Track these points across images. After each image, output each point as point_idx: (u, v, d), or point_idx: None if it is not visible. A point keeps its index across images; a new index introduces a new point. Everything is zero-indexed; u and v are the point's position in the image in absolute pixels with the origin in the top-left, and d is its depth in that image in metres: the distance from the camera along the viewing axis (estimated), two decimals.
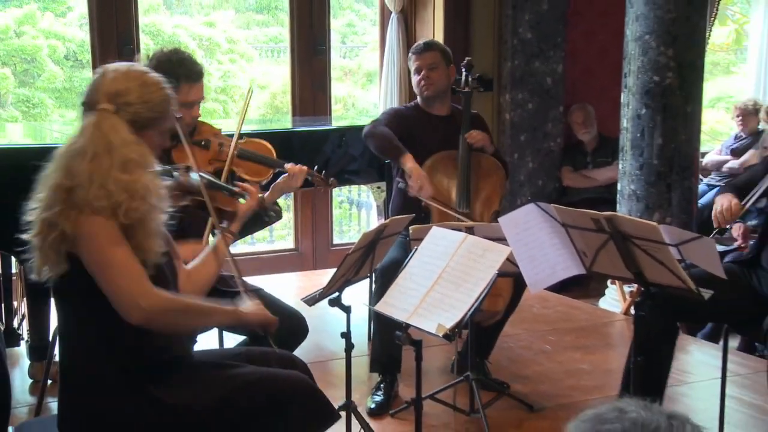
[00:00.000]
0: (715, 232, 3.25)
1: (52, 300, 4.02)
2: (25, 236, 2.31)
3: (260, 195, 3.16)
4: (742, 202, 3.27)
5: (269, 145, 3.61)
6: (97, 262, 2.24)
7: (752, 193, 3.27)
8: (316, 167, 3.53)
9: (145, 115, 2.36)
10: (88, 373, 2.33)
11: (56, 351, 3.77)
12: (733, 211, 3.20)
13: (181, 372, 2.41)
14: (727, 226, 3.19)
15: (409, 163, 4.00)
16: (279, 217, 3.66)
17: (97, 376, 2.32)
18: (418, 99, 4.31)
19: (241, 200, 3.12)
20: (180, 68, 3.29)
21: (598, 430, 0.93)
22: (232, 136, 3.45)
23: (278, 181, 3.49)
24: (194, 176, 2.91)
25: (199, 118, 3.46)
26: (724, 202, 3.29)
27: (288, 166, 3.46)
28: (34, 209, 2.31)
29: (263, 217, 3.55)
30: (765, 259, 3.36)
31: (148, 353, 2.36)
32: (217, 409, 2.34)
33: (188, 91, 3.31)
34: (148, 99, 2.36)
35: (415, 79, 4.25)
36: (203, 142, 3.42)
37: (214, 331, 3.68)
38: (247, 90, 3.51)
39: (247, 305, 2.58)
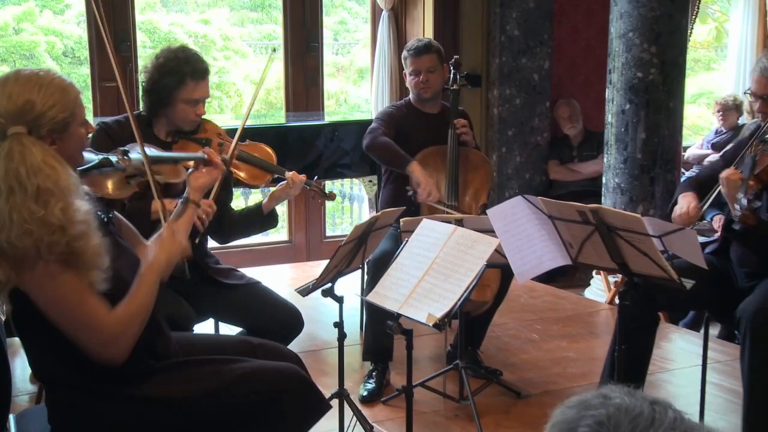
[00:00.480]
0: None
1: None
2: None
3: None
4: (701, 204, 3.26)
5: (270, 150, 3.56)
6: (51, 314, 2.09)
7: (711, 192, 3.26)
8: (316, 177, 3.48)
9: (60, 117, 2.15)
10: (67, 386, 2.27)
11: None
12: (691, 215, 3.21)
13: (167, 371, 2.35)
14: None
15: (416, 171, 3.98)
16: (276, 223, 3.62)
17: (77, 388, 2.26)
18: (411, 97, 4.29)
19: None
20: (186, 65, 3.25)
21: (583, 416, 0.93)
22: (239, 139, 3.36)
23: (276, 188, 3.45)
24: (135, 156, 2.68)
25: (204, 116, 3.39)
26: (683, 205, 3.29)
27: (288, 174, 3.41)
28: None
29: (267, 223, 3.51)
30: (734, 255, 3.37)
31: (123, 370, 2.25)
32: (209, 401, 2.30)
33: (194, 88, 3.26)
34: (53, 101, 2.15)
35: (411, 79, 4.21)
36: (204, 140, 3.37)
37: (210, 323, 3.67)
38: (268, 58, 3.38)
39: (153, 249, 2.33)
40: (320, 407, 2.51)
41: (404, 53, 4.26)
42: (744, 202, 2.92)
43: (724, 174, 3.11)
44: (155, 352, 2.36)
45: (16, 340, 4.48)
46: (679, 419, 0.92)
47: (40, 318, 2.11)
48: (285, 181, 3.40)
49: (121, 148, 2.68)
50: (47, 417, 2.36)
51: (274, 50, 3.48)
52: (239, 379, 2.35)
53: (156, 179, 2.64)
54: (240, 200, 6.60)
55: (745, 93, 3.32)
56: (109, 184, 2.61)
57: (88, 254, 2.07)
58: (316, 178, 3.47)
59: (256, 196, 6.81)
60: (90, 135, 2.38)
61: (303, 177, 3.40)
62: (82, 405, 2.26)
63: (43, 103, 2.12)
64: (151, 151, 2.81)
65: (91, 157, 2.56)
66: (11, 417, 2.49)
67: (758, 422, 3.03)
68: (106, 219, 2.35)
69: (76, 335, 2.11)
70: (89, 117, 6.07)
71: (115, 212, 2.50)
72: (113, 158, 2.63)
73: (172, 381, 2.31)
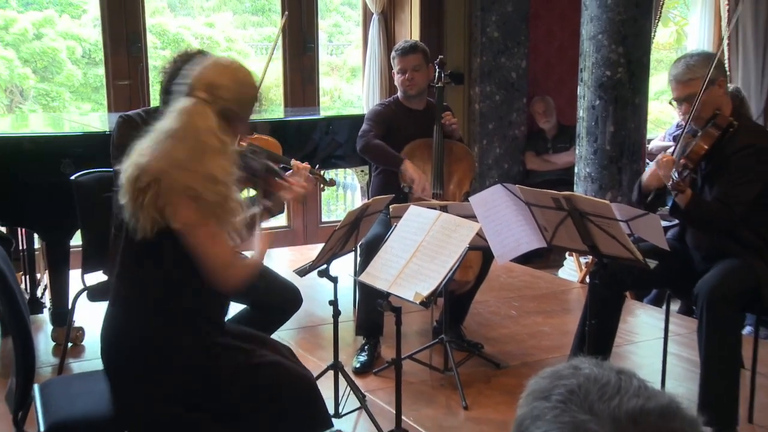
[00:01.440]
0: (651, 195, 3.25)
1: (71, 270, 4.03)
2: (119, 199, 2.28)
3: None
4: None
5: (277, 142, 3.57)
6: (190, 241, 2.24)
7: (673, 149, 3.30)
8: (317, 166, 3.48)
9: (234, 110, 2.36)
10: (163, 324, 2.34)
11: (75, 316, 3.78)
12: (668, 159, 3.20)
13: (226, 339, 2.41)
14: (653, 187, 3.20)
15: (409, 169, 3.98)
16: (283, 209, 3.62)
17: (164, 322, 2.33)
18: (399, 94, 4.28)
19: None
20: None
21: (555, 385, 0.93)
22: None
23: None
24: (253, 158, 2.86)
25: None
26: (657, 159, 3.30)
27: (293, 161, 3.40)
28: (124, 171, 2.28)
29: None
30: (689, 240, 3.38)
31: (205, 314, 2.39)
32: (253, 388, 2.31)
33: None
34: (240, 98, 2.38)
35: (398, 77, 4.19)
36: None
37: None
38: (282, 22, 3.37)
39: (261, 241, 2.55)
40: (323, 423, 2.47)
41: (392, 53, 4.24)
42: (675, 175, 3.02)
43: (658, 158, 3.17)
44: (221, 326, 2.47)
45: (39, 317, 4.49)
46: (643, 387, 0.92)
47: (166, 250, 2.26)
48: (291, 170, 3.39)
49: (250, 148, 2.86)
50: (108, 362, 2.37)
51: (285, 20, 3.45)
52: (268, 368, 2.37)
53: (267, 187, 2.83)
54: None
55: (669, 103, 3.35)
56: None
57: (231, 208, 2.26)
58: (317, 166, 3.47)
59: None
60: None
61: (306, 165, 3.39)
62: (151, 349, 2.31)
63: (233, 92, 2.35)
64: (268, 162, 2.96)
65: None
66: (36, 386, 2.49)
67: (712, 387, 3.06)
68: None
69: (207, 263, 2.25)
70: (104, 113, 6.08)
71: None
72: (246, 155, 2.77)
73: (233, 356, 2.36)
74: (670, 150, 3.30)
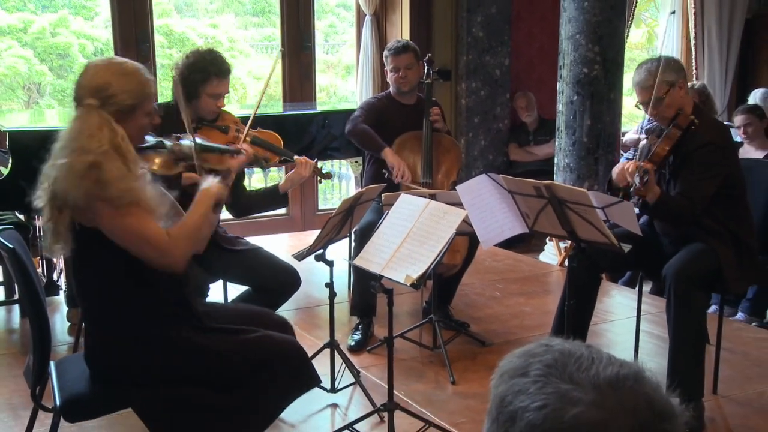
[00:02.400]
0: (620, 194, 3.24)
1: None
2: (36, 222, 2.23)
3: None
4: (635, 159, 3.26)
5: (278, 136, 3.55)
6: (118, 240, 2.18)
7: (637, 155, 3.29)
8: (315, 159, 3.46)
9: (128, 102, 2.24)
10: (115, 321, 2.29)
11: None
12: (630, 170, 3.18)
13: (201, 324, 2.38)
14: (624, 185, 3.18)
15: (389, 156, 3.97)
16: (287, 203, 3.61)
17: (127, 322, 2.28)
18: (391, 90, 4.25)
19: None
20: (212, 65, 3.24)
21: (530, 362, 0.92)
22: (251, 125, 3.34)
23: (290, 173, 3.42)
24: (186, 142, 2.73)
25: (223, 108, 3.37)
26: (621, 164, 3.29)
27: (297, 157, 3.38)
28: (40, 197, 2.22)
29: (281, 202, 3.50)
30: (657, 227, 3.39)
31: (160, 302, 2.32)
32: (230, 357, 2.31)
33: (217, 85, 3.25)
34: (128, 89, 2.25)
35: (392, 75, 4.15)
36: (223, 128, 3.35)
37: (219, 284, 3.65)
38: (275, 59, 3.37)
39: (208, 182, 2.44)
40: (311, 380, 2.49)
41: (385, 53, 4.20)
42: (636, 180, 3.01)
43: (622, 167, 3.15)
44: (193, 310, 2.40)
45: (56, 299, 4.47)
46: (612, 357, 0.93)
47: (100, 255, 2.21)
48: (297, 166, 3.36)
49: (176, 134, 2.74)
50: (84, 359, 2.35)
51: (282, 52, 3.42)
52: (254, 344, 2.36)
53: (201, 164, 2.67)
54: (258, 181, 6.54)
55: (636, 106, 3.34)
56: (158, 162, 2.64)
57: (144, 201, 2.17)
58: (314, 159, 3.45)
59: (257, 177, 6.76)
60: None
61: (311, 161, 3.37)
62: (119, 344, 2.27)
63: (118, 87, 2.22)
64: (200, 140, 2.85)
65: (149, 139, 2.61)
66: (52, 364, 2.48)
67: (680, 361, 3.07)
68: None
69: (140, 250, 2.18)
70: None
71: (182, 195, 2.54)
72: (167, 142, 2.68)
73: (205, 332, 2.34)
74: (644, 142, 3.30)
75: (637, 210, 3.28)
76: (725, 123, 4.70)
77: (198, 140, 2.80)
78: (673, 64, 3.22)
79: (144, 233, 2.17)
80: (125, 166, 2.17)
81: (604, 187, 3.40)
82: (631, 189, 3.07)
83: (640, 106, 3.28)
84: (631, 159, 6.58)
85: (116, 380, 2.30)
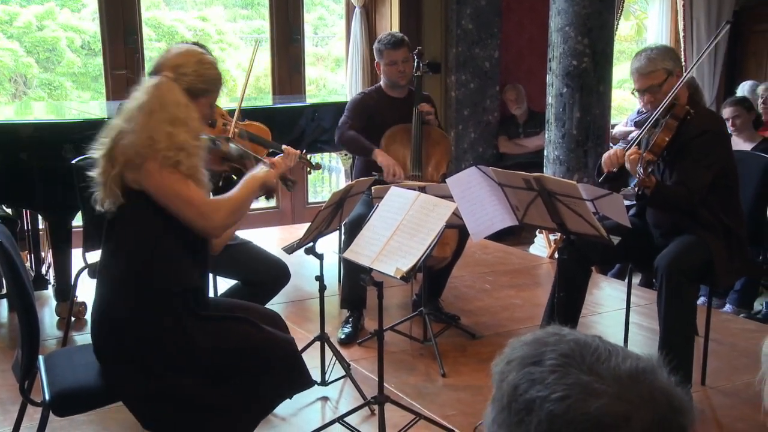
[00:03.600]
0: (603, 177, 3.24)
1: (73, 249, 4.00)
2: (89, 173, 2.34)
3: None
4: (625, 149, 3.26)
5: (266, 128, 3.53)
6: (163, 199, 2.28)
7: (630, 143, 3.29)
8: (304, 150, 3.45)
9: (198, 85, 2.43)
10: (136, 300, 2.31)
11: (78, 292, 3.75)
12: (618, 155, 3.19)
13: (205, 318, 2.38)
14: (614, 169, 3.18)
15: (379, 157, 3.97)
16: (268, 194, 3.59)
17: (140, 298, 2.30)
18: (382, 83, 4.23)
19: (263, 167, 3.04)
20: None
21: (543, 351, 0.91)
22: (239, 118, 3.33)
23: (275, 160, 3.38)
24: (233, 146, 2.88)
25: None
26: (610, 151, 3.29)
27: (284, 147, 3.36)
28: (98, 149, 2.34)
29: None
30: (649, 218, 3.40)
31: (181, 281, 2.35)
32: (228, 352, 2.32)
33: None
34: (201, 73, 2.45)
35: (388, 69, 4.11)
36: (210, 121, 3.33)
37: (209, 278, 3.64)
38: (254, 47, 3.36)
39: (258, 170, 2.61)
40: (304, 381, 2.51)
41: (379, 46, 4.13)
42: (641, 171, 3.01)
43: (627, 153, 3.14)
44: (202, 300, 2.44)
45: (44, 293, 4.44)
46: (627, 350, 0.92)
47: (139, 220, 2.31)
48: (282, 154, 3.34)
49: (225, 137, 2.92)
50: (93, 333, 2.35)
51: (257, 42, 3.43)
52: (256, 340, 2.38)
53: (242, 169, 2.79)
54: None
55: (632, 93, 3.35)
56: (209, 156, 2.70)
57: (194, 169, 2.31)
58: (303, 151, 3.44)
59: None
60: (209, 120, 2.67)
61: (297, 151, 3.35)
62: (136, 320, 2.29)
63: (193, 70, 2.44)
64: (246, 148, 2.99)
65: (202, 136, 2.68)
66: (40, 358, 2.47)
67: (669, 351, 3.07)
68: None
69: (183, 210, 2.30)
70: (103, 101, 6.00)
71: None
72: (218, 141, 2.81)
73: (212, 329, 2.35)
74: (634, 134, 3.31)
75: (626, 203, 3.29)
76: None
77: (242, 146, 2.94)
78: (672, 53, 3.24)
79: (189, 194, 2.29)
80: (191, 136, 2.32)
81: (594, 176, 3.40)
82: (636, 181, 3.08)
83: (636, 94, 3.29)
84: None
85: (120, 360, 2.29)
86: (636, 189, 3.11)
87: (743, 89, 6.31)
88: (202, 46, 3.30)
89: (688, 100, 3.21)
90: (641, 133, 3.26)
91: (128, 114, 2.32)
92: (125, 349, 2.29)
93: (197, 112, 2.41)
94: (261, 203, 6.48)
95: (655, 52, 3.20)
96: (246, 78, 3.57)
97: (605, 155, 3.24)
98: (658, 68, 3.15)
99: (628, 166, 3.12)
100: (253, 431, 2.44)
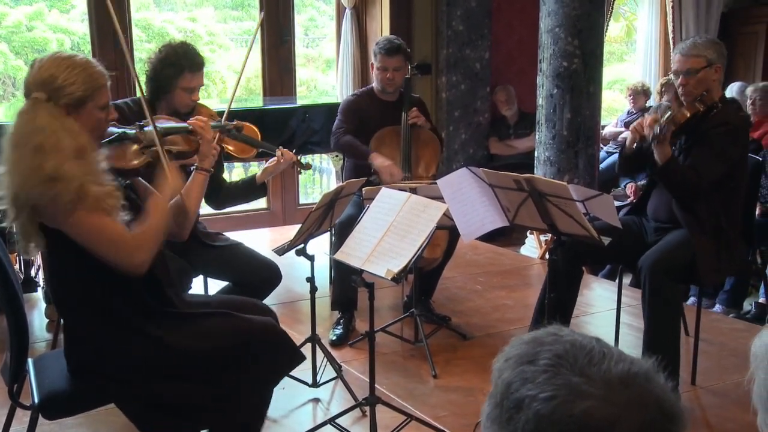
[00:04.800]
0: (624, 155, 3.27)
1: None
2: (2, 224, 2.14)
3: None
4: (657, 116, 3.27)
5: (256, 129, 3.51)
6: (80, 239, 2.11)
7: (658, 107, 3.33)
8: (294, 151, 3.43)
9: (77, 95, 2.15)
10: (89, 319, 2.26)
11: None
12: (641, 122, 3.21)
13: (176, 318, 2.34)
14: (636, 140, 3.20)
15: (377, 160, 3.96)
16: (265, 193, 3.58)
17: (100, 319, 2.25)
18: (374, 85, 4.22)
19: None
20: (184, 59, 3.21)
21: (539, 351, 0.91)
22: (227, 117, 3.28)
23: (268, 164, 3.38)
24: (149, 129, 2.56)
25: (198, 101, 3.33)
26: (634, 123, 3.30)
27: (278, 150, 3.34)
28: (2, 197, 2.12)
29: (259, 192, 3.47)
30: (650, 209, 3.41)
31: (143, 303, 2.29)
32: (209, 354, 2.29)
33: (190, 79, 3.22)
34: (74, 80, 2.15)
35: (379, 74, 4.11)
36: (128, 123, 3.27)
37: (200, 279, 3.63)
38: (258, 23, 3.23)
39: (162, 185, 2.39)
40: (295, 357, 2.49)
41: (376, 48, 4.13)
42: (657, 129, 3.05)
43: (639, 122, 3.19)
44: (167, 299, 2.36)
45: (34, 295, 4.42)
46: (623, 353, 0.92)
47: (70, 251, 2.13)
48: (275, 157, 3.33)
49: (138, 123, 2.58)
50: (64, 353, 2.33)
51: (261, 22, 3.25)
52: (231, 331, 2.34)
53: (168, 148, 2.57)
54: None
55: (668, 74, 3.38)
56: (127, 155, 2.51)
57: (92, 199, 2.07)
58: (294, 151, 3.43)
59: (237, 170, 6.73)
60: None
61: (291, 154, 3.34)
62: (97, 337, 2.25)
63: (64, 79, 2.14)
64: (162, 124, 2.73)
65: (113, 130, 2.49)
66: (30, 361, 2.45)
67: (655, 351, 3.08)
68: (125, 185, 2.34)
69: (103, 251, 2.12)
70: None
71: (136, 179, 2.45)
72: (130, 131, 2.54)
73: (180, 329, 2.30)
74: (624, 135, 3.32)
75: (617, 203, 3.30)
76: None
77: (160, 124, 2.68)
78: (719, 48, 3.25)
79: (106, 232, 2.11)
80: (82, 165, 2.08)
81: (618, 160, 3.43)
82: (652, 134, 3.08)
83: (673, 76, 3.32)
84: (613, 153, 6.66)
85: (94, 375, 2.27)
86: (654, 139, 3.09)
87: (732, 90, 6.33)
88: (186, 45, 3.29)
89: (721, 98, 3.24)
90: (665, 105, 3.28)
91: (13, 154, 2.08)
92: (98, 367, 2.26)
93: (80, 125, 2.15)
94: (252, 205, 6.47)
95: (702, 39, 3.25)
96: (246, 57, 3.46)
97: (631, 127, 3.25)
98: (701, 54, 3.17)
99: (646, 129, 3.12)
100: (263, 421, 2.44)
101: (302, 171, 3.49)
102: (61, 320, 2.36)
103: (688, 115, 3.14)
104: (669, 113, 3.15)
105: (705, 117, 3.16)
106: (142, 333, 2.25)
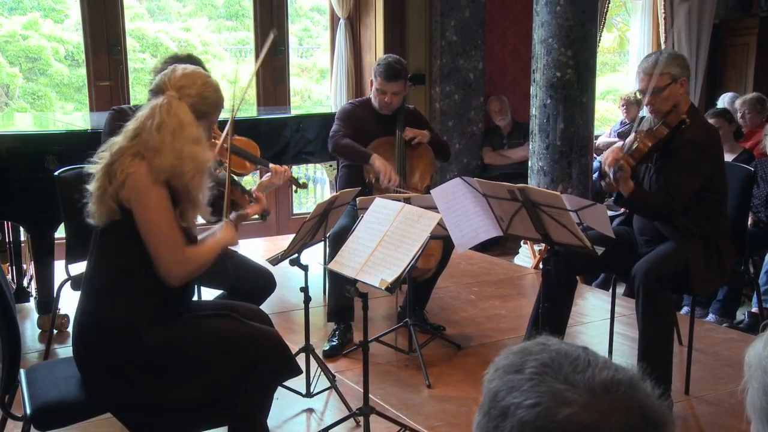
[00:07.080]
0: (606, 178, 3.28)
1: (56, 261, 3.96)
2: (87, 186, 2.32)
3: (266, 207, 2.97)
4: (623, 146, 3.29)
5: (255, 144, 3.50)
6: (146, 225, 2.26)
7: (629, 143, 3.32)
8: (290, 165, 3.42)
9: (200, 108, 2.41)
10: (116, 302, 2.31)
11: (60, 304, 3.71)
12: (618, 149, 3.22)
13: (185, 319, 2.40)
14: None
15: (377, 162, 3.95)
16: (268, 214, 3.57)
17: (120, 308, 2.30)
18: (372, 101, 4.20)
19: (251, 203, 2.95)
20: None
21: (526, 360, 0.92)
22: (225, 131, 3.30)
23: (263, 179, 3.38)
24: (222, 174, 2.83)
25: None
26: (607, 150, 3.33)
27: (272, 165, 3.34)
28: (96, 164, 2.33)
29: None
30: (635, 226, 3.42)
31: (166, 294, 2.35)
32: (215, 357, 2.33)
33: None
34: (206, 96, 2.43)
35: (377, 95, 4.09)
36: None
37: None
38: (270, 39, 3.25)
39: (222, 232, 2.56)
40: (292, 369, 2.52)
41: (376, 68, 4.10)
42: (611, 174, 3.09)
43: (607, 154, 3.21)
44: (185, 302, 2.48)
45: (26, 306, 4.40)
46: (608, 361, 0.93)
47: (131, 234, 2.28)
48: (270, 173, 3.32)
49: (218, 162, 2.84)
50: (72, 342, 2.36)
51: (272, 38, 3.21)
52: (237, 339, 2.38)
53: (229, 196, 2.73)
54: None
55: (634, 93, 3.39)
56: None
57: (197, 200, 2.34)
58: (290, 166, 3.41)
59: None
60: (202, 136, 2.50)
61: (287, 169, 3.32)
62: (116, 323, 2.29)
63: (198, 92, 2.42)
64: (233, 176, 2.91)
65: None
66: (22, 371, 2.44)
67: (648, 360, 3.08)
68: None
69: (153, 242, 2.27)
70: (86, 112, 5.96)
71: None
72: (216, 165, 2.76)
73: (193, 329, 2.38)
74: (626, 140, 3.34)
75: (610, 213, 3.31)
76: None
77: (233, 175, 2.89)
78: (681, 61, 3.25)
79: (170, 231, 2.28)
80: (206, 159, 2.35)
81: (596, 181, 3.44)
82: (605, 183, 3.12)
83: (639, 94, 3.32)
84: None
85: (96, 370, 2.29)
86: (605, 190, 3.14)
87: (723, 101, 6.36)
88: (196, 59, 3.31)
89: (689, 110, 3.23)
90: (633, 137, 3.28)
91: (133, 133, 2.31)
92: (106, 361, 2.27)
93: (205, 132, 2.43)
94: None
95: (664, 56, 3.22)
96: (255, 68, 3.48)
97: (603, 155, 3.26)
98: (664, 71, 3.16)
99: (605, 167, 3.14)
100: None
101: (297, 190, 3.49)
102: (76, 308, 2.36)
103: (650, 145, 3.14)
104: (635, 145, 3.16)
105: (674, 135, 3.17)
106: (157, 326, 2.29)
